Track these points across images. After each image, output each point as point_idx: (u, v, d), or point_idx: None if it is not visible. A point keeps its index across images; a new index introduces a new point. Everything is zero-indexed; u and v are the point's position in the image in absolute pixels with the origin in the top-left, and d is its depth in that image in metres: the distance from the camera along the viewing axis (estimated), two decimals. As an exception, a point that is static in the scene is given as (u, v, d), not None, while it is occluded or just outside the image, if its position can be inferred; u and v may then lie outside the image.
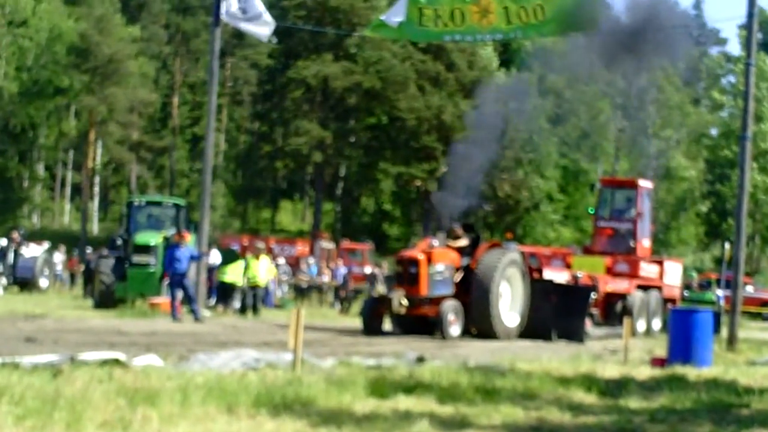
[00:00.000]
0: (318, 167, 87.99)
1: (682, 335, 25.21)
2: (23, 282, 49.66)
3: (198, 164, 78.00)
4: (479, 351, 26.44)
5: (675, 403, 16.85)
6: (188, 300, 33.13)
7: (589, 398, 17.06)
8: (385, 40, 70.21)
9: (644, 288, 40.35)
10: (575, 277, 36.62)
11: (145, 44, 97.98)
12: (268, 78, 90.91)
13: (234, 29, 35.86)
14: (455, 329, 31.57)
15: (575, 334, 33.05)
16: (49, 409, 11.58)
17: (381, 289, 35.99)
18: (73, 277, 55.85)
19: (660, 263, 43.29)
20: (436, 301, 31.77)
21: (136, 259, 39.12)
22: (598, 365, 22.71)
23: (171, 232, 37.79)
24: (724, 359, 26.78)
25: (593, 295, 36.25)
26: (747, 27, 34.94)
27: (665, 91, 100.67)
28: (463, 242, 33.73)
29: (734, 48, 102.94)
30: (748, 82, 35.52)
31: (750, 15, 34.10)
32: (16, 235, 53.51)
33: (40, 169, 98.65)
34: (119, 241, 41.80)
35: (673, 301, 42.16)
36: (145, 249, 39.08)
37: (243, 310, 39.23)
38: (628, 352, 25.67)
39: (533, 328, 33.23)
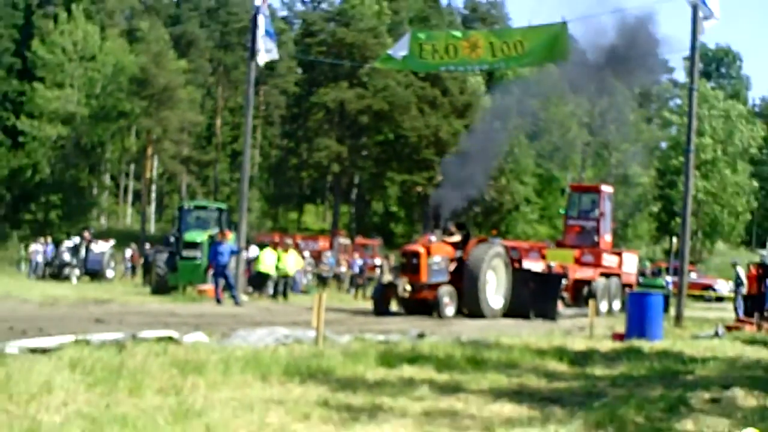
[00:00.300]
0: (336, 176, 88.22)
1: (638, 314, 25.16)
2: (93, 273, 49.75)
3: (237, 174, 77.79)
4: (470, 328, 26.41)
5: (632, 370, 16.83)
6: (229, 287, 33.16)
7: (561, 367, 17.04)
8: (391, 70, 70.20)
9: (606, 275, 40.29)
10: (549, 267, 36.56)
11: (192, 75, 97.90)
12: (295, 102, 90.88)
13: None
14: (450, 310, 31.66)
15: (549, 314, 33.10)
16: (114, 378, 11.60)
17: (388, 277, 35.89)
18: (134, 268, 55.83)
19: (619, 255, 43.21)
20: (434, 286, 31.85)
21: (186, 253, 39.14)
22: (568, 339, 22.69)
23: (215, 231, 37.75)
24: (672, 334, 26.73)
25: (564, 282, 36.28)
26: (690, 58, 34.87)
27: (623, 112, 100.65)
28: (456, 238, 33.82)
29: (680, 75, 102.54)
30: (692, 104, 35.58)
31: (692, 48, 34.10)
32: (87, 234, 53.69)
33: (107, 179, 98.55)
34: (172, 239, 41.83)
35: (630, 285, 42.09)
36: (193, 245, 39.11)
37: (275, 295, 39.31)
38: (593, 329, 25.62)
39: (514, 309, 33.28)
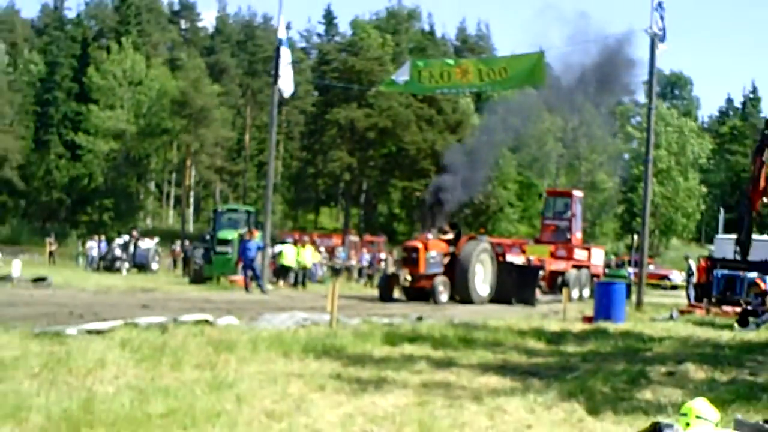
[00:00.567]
0: (347, 183, 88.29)
1: (604, 300, 25.17)
2: (140, 266, 49.84)
3: (262, 182, 77.85)
4: (461, 312, 26.40)
5: (599, 348, 16.84)
6: (256, 278, 33.15)
7: (539, 345, 17.05)
8: (394, 93, 70.26)
9: (577, 267, 40.26)
10: (528, 260, 36.60)
11: (225, 98, 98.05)
12: (312, 120, 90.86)
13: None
14: (444, 297, 31.66)
15: (529, 300, 33.04)
16: (158, 355, 11.61)
17: (392, 269, 35.92)
18: (175, 262, 55.80)
19: (588, 250, 43.16)
20: (431, 277, 31.90)
21: (219, 249, 39.20)
22: (545, 322, 22.71)
23: (244, 230, 37.77)
24: (633, 317, 26.70)
25: (541, 273, 36.31)
26: (648, 82, 34.84)
27: (591, 128, 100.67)
28: (450, 236, 33.82)
29: (641, 97, 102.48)
30: (650, 121, 35.60)
31: (651, 73, 34.12)
32: (134, 232, 53.95)
33: (152, 186, 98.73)
34: (207, 237, 41.91)
35: (597, 276, 42.04)
36: (225, 242, 39.17)
37: (295, 284, 39.28)
38: (566, 313, 25.63)
39: (499, 296, 33.24)
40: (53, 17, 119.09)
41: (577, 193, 45.50)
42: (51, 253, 60.21)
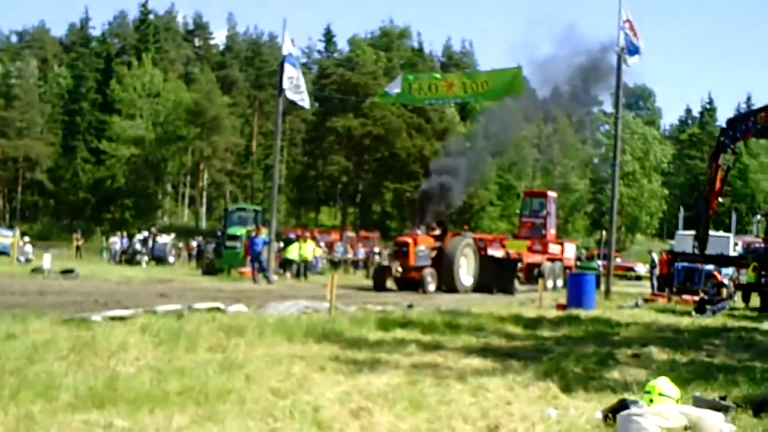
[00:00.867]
0: (344, 185, 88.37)
1: (576, 290, 25.20)
2: (158, 259, 49.78)
3: (268, 183, 77.68)
4: (447, 301, 26.39)
5: (572, 332, 16.85)
6: (262, 270, 33.12)
7: (517, 330, 17.03)
8: (387, 104, 70.36)
9: (552, 260, 40.24)
10: (508, 254, 36.49)
11: (234, 108, 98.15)
12: (313, 128, 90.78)
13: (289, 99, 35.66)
14: (432, 287, 31.69)
15: (508, 290, 33.07)
16: (175, 339, 11.60)
17: (385, 261, 35.93)
18: (189, 255, 55.75)
19: (561, 244, 43.16)
20: (420, 269, 31.97)
21: (229, 244, 39.20)
22: (522, 309, 22.71)
23: (251, 227, 37.78)
24: (602, 305, 26.73)
25: (519, 265, 36.28)
26: (615, 94, 34.87)
27: (564, 135, 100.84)
28: (437, 232, 33.93)
29: (608, 107, 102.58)
30: (617, 129, 35.75)
31: (617, 86, 34.19)
32: (153, 229, 54.06)
33: (168, 187, 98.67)
34: (219, 233, 41.96)
35: (570, 268, 41.98)
36: (235, 237, 39.16)
37: (298, 276, 39.26)
38: (542, 301, 25.64)
39: (481, 286, 33.30)
40: (79, 35, 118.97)
41: (552, 194, 45.55)
42: (78, 248, 60.28)
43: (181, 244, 57.10)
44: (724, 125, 34.21)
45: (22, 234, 50.51)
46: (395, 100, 46.84)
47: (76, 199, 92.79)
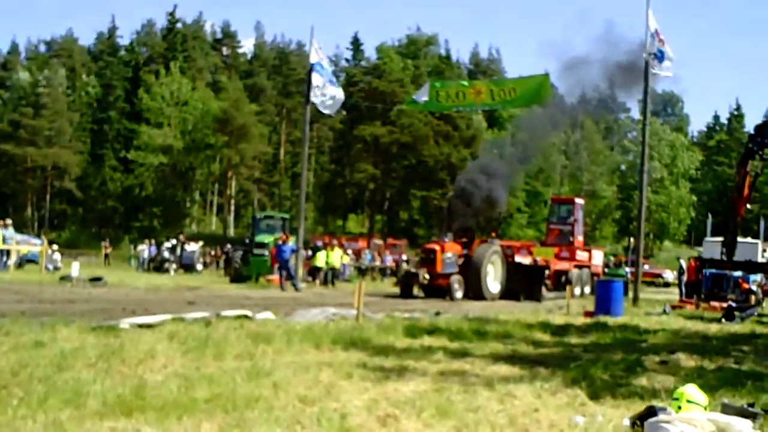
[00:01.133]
0: (372, 192, 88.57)
1: (604, 296, 25.13)
2: (186, 267, 49.91)
3: (296, 191, 77.98)
4: (474, 308, 26.35)
5: (599, 339, 16.80)
6: (290, 277, 33.20)
7: (545, 337, 17.00)
8: (414, 111, 70.37)
9: (579, 267, 40.11)
10: (535, 261, 36.42)
11: (262, 116, 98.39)
12: (340, 136, 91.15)
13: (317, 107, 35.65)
14: (459, 294, 31.71)
15: (535, 297, 33.06)
16: (203, 347, 11.64)
17: (412, 268, 35.97)
18: (218, 263, 55.93)
19: (589, 251, 43.00)
20: (447, 276, 31.95)
21: (257, 251, 39.33)
22: (550, 316, 22.66)
23: (279, 234, 37.86)
24: (630, 312, 26.60)
25: (546, 272, 36.18)
26: (643, 100, 34.77)
27: (592, 141, 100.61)
28: (464, 239, 33.89)
29: (635, 113, 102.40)
30: (645, 136, 35.57)
31: (645, 92, 34.10)
32: (181, 236, 54.22)
33: (197, 195, 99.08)
34: (247, 240, 42.09)
35: (597, 275, 41.82)
36: (262, 245, 39.27)
37: (325, 283, 39.32)
38: (570, 308, 25.58)
39: (508, 293, 33.28)
40: (107, 44, 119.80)
41: (579, 201, 45.43)
42: (106, 256, 60.62)
43: (210, 252, 57.28)
44: (752, 131, 33.95)
45: (50, 242, 50.84)
46: (423, 108, 46.85)
47: (104, 207, 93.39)
